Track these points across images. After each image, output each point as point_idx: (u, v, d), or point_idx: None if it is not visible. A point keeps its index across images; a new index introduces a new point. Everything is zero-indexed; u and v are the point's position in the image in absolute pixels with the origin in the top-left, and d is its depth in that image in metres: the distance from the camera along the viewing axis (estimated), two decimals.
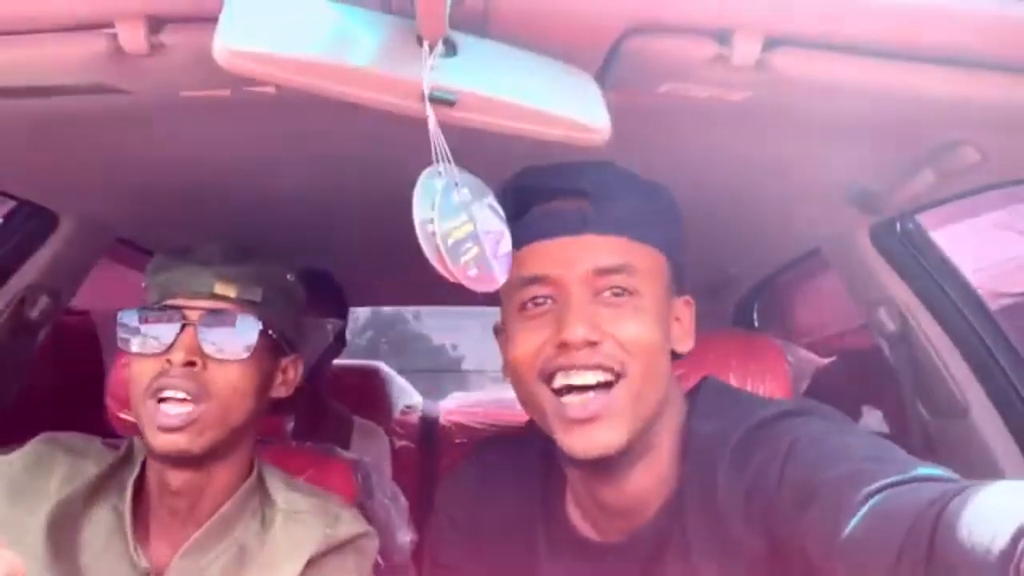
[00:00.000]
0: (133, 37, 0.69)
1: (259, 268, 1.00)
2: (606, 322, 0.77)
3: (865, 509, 0.64)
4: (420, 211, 0.65)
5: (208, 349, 0.94)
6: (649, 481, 0.82)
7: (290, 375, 1.05)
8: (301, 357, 1.07)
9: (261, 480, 1.04)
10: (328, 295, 1.62)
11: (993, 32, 0.69)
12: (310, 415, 1.56)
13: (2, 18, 0.69)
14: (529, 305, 0.80)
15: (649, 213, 0.82)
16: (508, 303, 0.83)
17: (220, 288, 0.96)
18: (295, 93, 0.64)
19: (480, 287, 0.70)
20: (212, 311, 0.95)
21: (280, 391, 1.04)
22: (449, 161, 0.66)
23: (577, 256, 0.78)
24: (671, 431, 0.83)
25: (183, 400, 0.92)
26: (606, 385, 0.77)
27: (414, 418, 2.18)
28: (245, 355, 0.95)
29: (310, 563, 0.99)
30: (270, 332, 0.98)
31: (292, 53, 0.61)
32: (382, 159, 0.96)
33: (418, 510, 1.34)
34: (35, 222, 1.30)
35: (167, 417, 0.91)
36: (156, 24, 0.69)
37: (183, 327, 0.93)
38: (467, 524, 0.96)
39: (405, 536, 1.25)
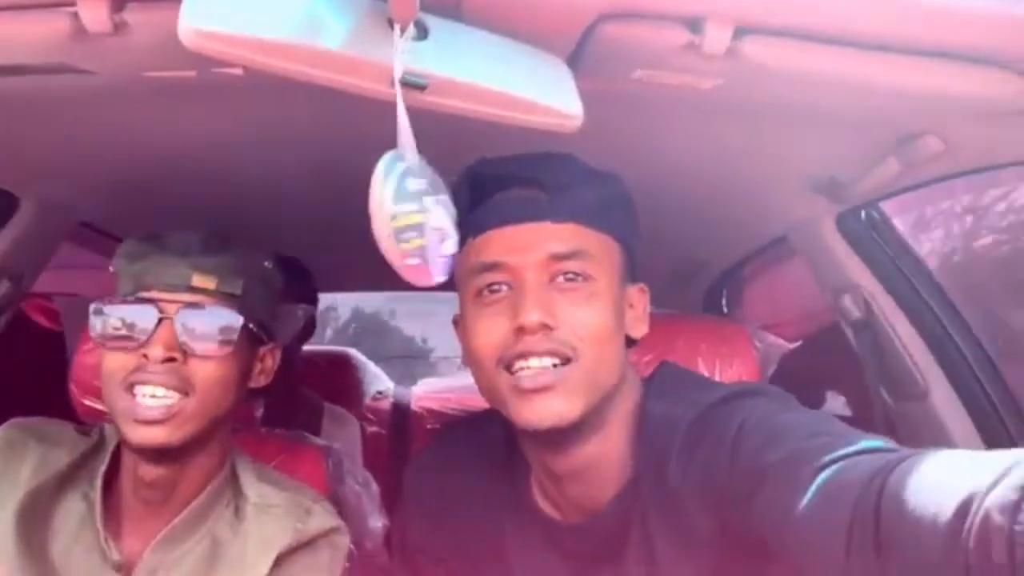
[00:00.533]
0: (96, 16, 0.67)
1: (238, 258, 0.97)
2: (561, 308, 0.79)
3: (814, 487, 0.65)
4: (376, 190, 0.65)
5: (187, 344, 0.91)
6: (602, 456, 0.84)
7: (268, 364, 1.03)
8: (279, 345, 1.05)
9: (234, 472, 1.03)
10: (298, 281, 1.61)
11: (957, 24, 0.70)
12: (280, 402, 1.55)
13: None
14: (486, 292, 0.81)
15: (603, 201, 0.84)
16: (465, 291, 0.84)
17: (198, 280, 0.93)
18: (263, 75, 0.63)
19: (415, 278, 0.70)
20: (190, 304, 0.92)
21: (259, 380, 1.03)
22: (412, 148, 0.66)
23: (533, 243, 0.80)
24: (626, 412, 0.85)
25: (162, 395, 0.90)
26: (561, 366, 0.79)
27: (386, 404, 2.17)
28: (226, 349, 0.93)
29: (281, 558, 0.98)
30: (250, 324, 0.96)
31: (259, 34, 0.60)
32: (352, 143, 0.95)
33: (390, 496, 1.34)
34: None
35: (146, 410, 0.89)
36: (119, 2, 0.67)
37: (160, 321, 0.90)
38: (434, 506, 0.97)
39: (377, 522, 1.25)
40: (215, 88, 0.83)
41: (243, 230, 1.07)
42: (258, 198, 1.29)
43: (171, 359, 0.90)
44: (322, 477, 1.16)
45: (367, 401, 2.15)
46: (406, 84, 0.63)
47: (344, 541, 1.04)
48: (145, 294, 0.93)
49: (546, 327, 0.78)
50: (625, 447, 0.85)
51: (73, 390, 1.16)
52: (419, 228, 0.69)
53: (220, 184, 1.22)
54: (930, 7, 0.69)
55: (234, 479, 1.03)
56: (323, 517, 1.02)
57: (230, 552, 0.98)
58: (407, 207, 0.67)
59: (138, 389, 0.90)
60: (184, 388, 0.91)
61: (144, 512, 0.98)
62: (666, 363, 0.93)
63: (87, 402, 1.13)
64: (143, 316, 0.91)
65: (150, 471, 0.95)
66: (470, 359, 0.84)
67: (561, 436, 0.82)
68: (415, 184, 0.67)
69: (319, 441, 1.27)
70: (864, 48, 0.74)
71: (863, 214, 1.30)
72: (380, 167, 0.66)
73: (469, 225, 0.81)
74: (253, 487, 1.02)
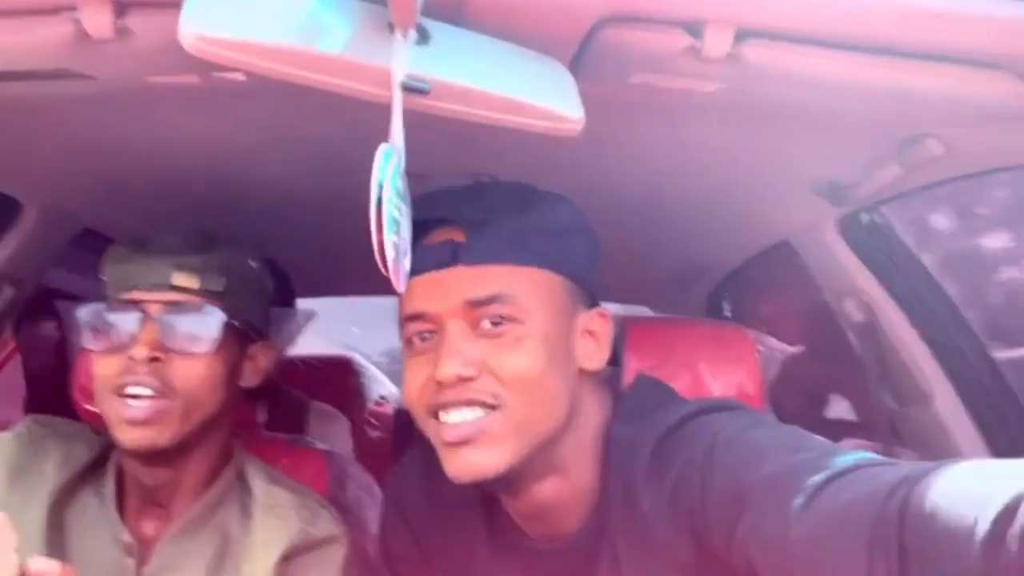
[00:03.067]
0: (98, 21, 0.67)
1: (221, 256, 0.97)
2: (486, 354, 0.75)
3: (812, 507, 0.62)
4: (378, 173, 0.63)
5: (171, 343, 0.91)
6: (565, 492, 0.81)
7: (260, 363, 1.03)
8: (270, 344, 1.05)
9: (241, 470, 1.03)
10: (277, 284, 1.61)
11: (958, 27, 0.71)
12: (266, 403, 1.54)
13: None
14: (415, 340, 0.79)
15: (534, 233, 0.79)
16: (401, 338, 0.82)
17: (180, 279, 0.93)
18: (265, 80, 0.64)
19: (390, 275, 0.67)
20: (173, 304, 0.92)
21: (252, 380, 1.02)
22: (402, 150, 0.65)
23: (449, 290, 0.77)
24: (590, 439, 0.82)
25: (149, 396, 0.90)
26: (485, 414, 0.76)
27: (388, 409, 2.17)
28: (210, 347, 0.93)
29: (286, 558, 0.98)
30: (235, 322, 0.96)
31: (260, 39, 0.60)
32: (354, 148, 0.95)
33: None
34: None
35: (132, 411, 0.89)
36: (121, 8, 0.68)
37: (144, 321, 0.91)
38: (413, 514, 0.96)
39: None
40: (217, 93, 0.83)
41: (246, 235, 1.07)
42: (260, 202, 1.30)
43: (155, 359, 0.90)
44: (324, 481, 1.16)
45: (370, 406, 2.15)
46: (407, 88, 0.63)
47: (345, 550, 1.03)
48: (128, 296, 0.93)
49: (462, 380, 0.74)
50: (591, 478, 0.81)
51: (76, 396, 1.16)
52: (401, 226, 0.67)
53: (222, 188, 1.23)
54: (931, 10, 0.69)
55: (242, 478, 1.03)
56: (328, 523, 1.02)
57: (239, 548, 0.99)
58: (397, 201, 0.66)
59: (126, 391, 0.90)
60: (169, 388, 0.91)
61: (153, 510, 0.98)
62: (640, 378, 0.89)
63: (90, 407, 1.13)
64: (126, 318, 0.91)
65: (148, 475, 0.95)
66: (405, 403, 0.82)
67: (498, 485, 0.79)
68: (402, 184, 0.67)
69: (321, 446, 1.27)
70: (865, 51, 0.74)
71: (865, 217, 1.30)
72: (381, 151, 0.64)
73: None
74: (262, 486, 1.02)
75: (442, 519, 0.92)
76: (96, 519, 0.97)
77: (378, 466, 1.72)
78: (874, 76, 0.76)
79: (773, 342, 1.30)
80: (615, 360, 0.85)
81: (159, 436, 0.90)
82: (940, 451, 1.28)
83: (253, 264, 1.02)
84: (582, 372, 0.81)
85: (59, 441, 0.99)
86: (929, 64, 0.75)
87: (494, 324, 0.76)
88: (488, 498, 0.89)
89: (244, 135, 1.05)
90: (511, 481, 0.78)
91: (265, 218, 1.35)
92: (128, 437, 0.90)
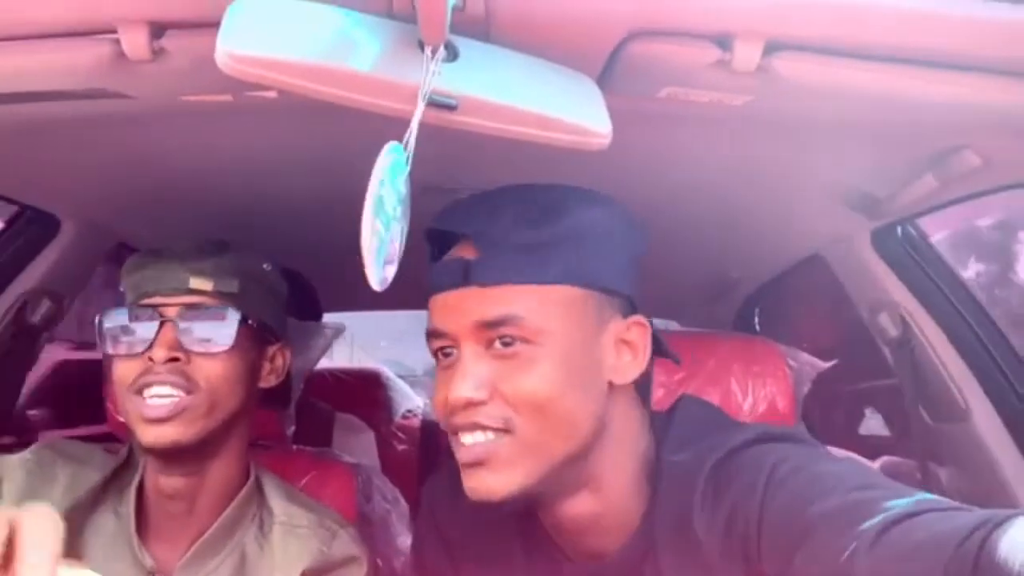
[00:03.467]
0: (135, 42, 0.69)
1: (234, 259, 0.99)
2: (497, 377, 0.74)
3: (882, 544, 0.61)
4: (378, 170, 0.63)
5: (189, 344, 0.93)
6: (600, 508, 0.79)
7: (278, 363, 1.05)
8: (288, 345, 1.06)
9: (259, 486, 1.04)
10: (303, 297, 1.62)
11: (994, 36, 0.69)
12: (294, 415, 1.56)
13: (4, 23, 0.70)
14: (440, 355, 0.79)
15: (553, 247, 0.75)
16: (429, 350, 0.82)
17: (195, 283, 0.95)
18: (297, 97, 0.65)
19: (368, 272, 0.65)
20: (189, 306, 0.94)
21: (270, 380, 1.04)
22: (409, 157, 0.64)
23: (463, 309, 0.75)
24: (628, 455, 0.80)
25: (171, 395, 0.91)
26: (497, 437, 0.75)
27: (415, 422, 2.17)
28: (227, 346, 0.95)
29: None
30: (250, 322, 0.98)
31: (293, 57, 0.61)
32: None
33: None
34: (37, 227, 1.30)
35: (153, 409, 0.90)
36: (158, 29, 0.69)
37: (162, 324, 0.93)
38: (447, 528, 0.95)
39: (406, 540, 1.24)
40: (250, 110, 0.84)
41: (277, 248, 1.08)
42: (291, 217, 1.31)
43: (175, 359, 0.92)
44: (351, 495, 1.16)
45: (397, 419, 2.16)
46: (435, 104, 0.64)
47: (362, 572, 1.03)
48: (146, 301, 0.95)
49: (472, 404, 0.73)
50: (630, 496, 0.79)
51: (109, 408, 1.18)
52: (395, 229, 0.67)
53: (254, 203, 1.24)
54: (964, 20, 0.68)
55: (260, 494, 1.04)
56: (348, 544, 1.02)
57: (258, 568, 0.99)
58: (394, 201, 0.65)
59: (146, 391, 0.92)
60: (190, 386, 0.92)
61: (171, 525, 0.99)
62: (685, 399, 0.86)
63: (121, 418, 1.15)
64: (145, 322, 0.94)
65: (169, 482, 0.96)
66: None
67: (521, 503, 0.77)
68: (404, 189, 0.67)
69: (348, 459, 1.27)
70: (896, 63, 0.73)
71: (899, 230, 1.28)
72: (386, 151, 0.63)
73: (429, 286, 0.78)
74: (280, 504, 1.03)
75: (478, 533, 0.91)
76: (115, 538, 0.98)
77: (404, 479, 1.72)
78: (909, 87, 0.75)
79: (805, 357, 1.28)
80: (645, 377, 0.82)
81: (181, 433, 0.91)
82: (977, 469, 1.25)
83: (266, 267, 1.04)
84: (613, 386, 0.78)
85: (68, 465, 1.00)
86: (966, 75, 0.73)
87: (505, 345, 0.74)
88: (524, 513, 0.88)
89: (276, 151, 1.07)
90: (536, 498, 0.77)
91: (296, 232, 1.36)
92: (150, 435, 0.91)
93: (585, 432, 0.76)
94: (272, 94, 0.76)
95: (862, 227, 1.25)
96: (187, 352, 0.93)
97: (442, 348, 0.78)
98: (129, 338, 0.94)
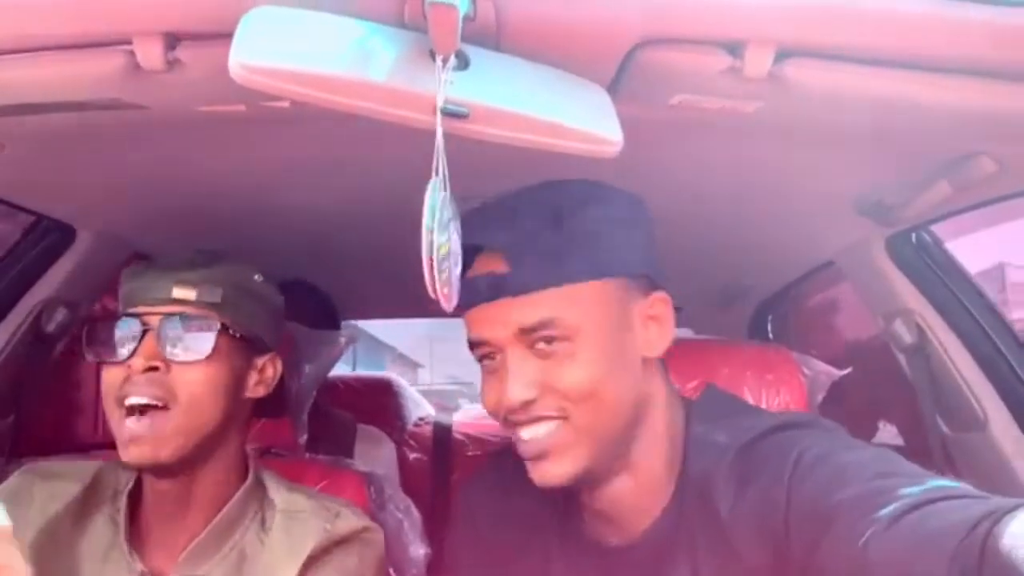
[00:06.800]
0: (150, 54, 0.70)
1: (221, 270, 1.00)
2: (545, 374, 0.79)
3: (896, 530, 0.63)
4: (427, 218, 0.65)
5: (168, 352, 0.94)
6: (637, 487, 0.84)
7: (268, 373, 1.04)
8: (278, 355, 1.06)
9: (260, 483, 1.04)
10: (317, 307, 1.63)
11: (1007, 42, 0.69)
12: (312, 424, 1.56)
13: (21, 35, 0.71)
14: (485, 361, 0.84)
15: (575, 247, 0.80)
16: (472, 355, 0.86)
17: (178, 292, 0.96)
18: (309, 108, 0.65)
19: (445, 305, 0.71)
20: (170, 315, 0.95)
21: (258, 391, 1.04)
22: (445, 176, 0.66)
23: (501, 319, 0.80)
24: (662, 437, 0.84)
25: (145, 409, 0.92)
26: (554, 426, 0.80)
27: (427, 430, 2.17)
28: (206, 355, 0.95)
29: (311, 559, 0.98)
30: (232, 331, 0.98)
31: (306, 68, 0.62)
32: (395, 173, 0.97)
33: (431, 523, 1.34)
34: (53, 236, 1.32)
35: (131, 429, 0.92)
36: (173, 41, 0.70)
37: (144, 333, 0.94)
38: (487, 530, 0.97)
39: (419, 550, 1.24)
40: (264, 121, 0.85)
41: (293, 258, 1.09)
42: (306, 226, 1.32)
43: (154, 368, 0.93)
44: (364, 503, 1.16)
45: (409, 427, 2.16)
46: (447, 113, 0.64)
47: (378, 538, 1.03)
48: (132, 310, 0.97)
49: (527, 403, 0.79)
50: (662, 474, 0.84)
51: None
52: (452, 255, 0.70)
53: (268, 213, 1.25)
54: (975, 26, 0.67)
55: (260, 491, 1.04)
56: (352, 518, 1.02)
57: (257, 565, 0.99)
58: (444, 236, 0.68)
59: (126, 401, 0.92)
60: (167, 397, 0.93)
61: (166, 527, 0.99)
62: (713, 386, 0.91)
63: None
64: (127, 330, 0.95)
65: (159, 487, 0.97)
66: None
67: (578, 485, 0.83)
68: (448, 212, 0.68)
69: (361, 467, 1.27)
70: (909, 69, 0.72)
71: (914, 237, 1.27)
72: (428, 196, 0.66)
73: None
74: (281, 495, 1.03)
75: (515, 529, 0.94)
76: (111, 544, 0.98)
77: (418, 488, 1.72)
78: (922, 94, 0.74)
79: (819, 365, 1.27)
80: None
81: (157, 453, 0.92)
82: (995, 478, 1.23)
83: (257, 278, 1.04)
84: (646, 360, 0.83)
85: (45, 483, 1.01)
86: (980, 80, 0.73)
87: (547, 343, 0.79)
88: (561, 505, 0.92)
89: (289, 161, 1.07)
90: (589, 479, 0.82)
91: (311, 241, 1.37)
92: (129, 454, 0.92)
93: (629, 409, 0.82)
94: (285, 104, 0.77)
95: (877, 234, 1.24)
96: (167, 361, 0.93)
97: (486, 354, 0.83)
98: (113, 347, 0.95)
